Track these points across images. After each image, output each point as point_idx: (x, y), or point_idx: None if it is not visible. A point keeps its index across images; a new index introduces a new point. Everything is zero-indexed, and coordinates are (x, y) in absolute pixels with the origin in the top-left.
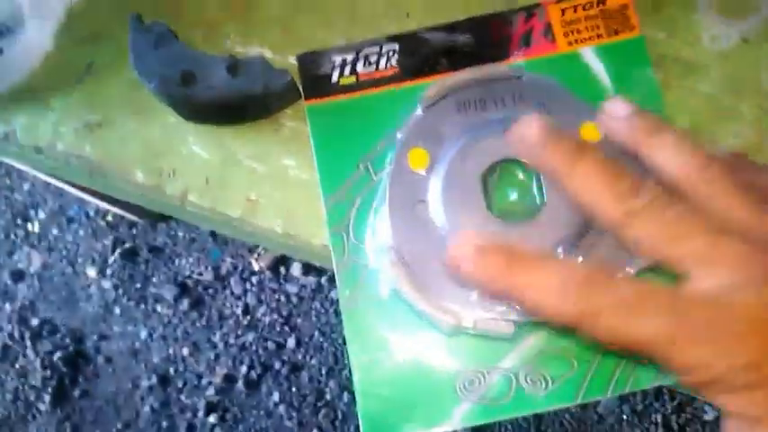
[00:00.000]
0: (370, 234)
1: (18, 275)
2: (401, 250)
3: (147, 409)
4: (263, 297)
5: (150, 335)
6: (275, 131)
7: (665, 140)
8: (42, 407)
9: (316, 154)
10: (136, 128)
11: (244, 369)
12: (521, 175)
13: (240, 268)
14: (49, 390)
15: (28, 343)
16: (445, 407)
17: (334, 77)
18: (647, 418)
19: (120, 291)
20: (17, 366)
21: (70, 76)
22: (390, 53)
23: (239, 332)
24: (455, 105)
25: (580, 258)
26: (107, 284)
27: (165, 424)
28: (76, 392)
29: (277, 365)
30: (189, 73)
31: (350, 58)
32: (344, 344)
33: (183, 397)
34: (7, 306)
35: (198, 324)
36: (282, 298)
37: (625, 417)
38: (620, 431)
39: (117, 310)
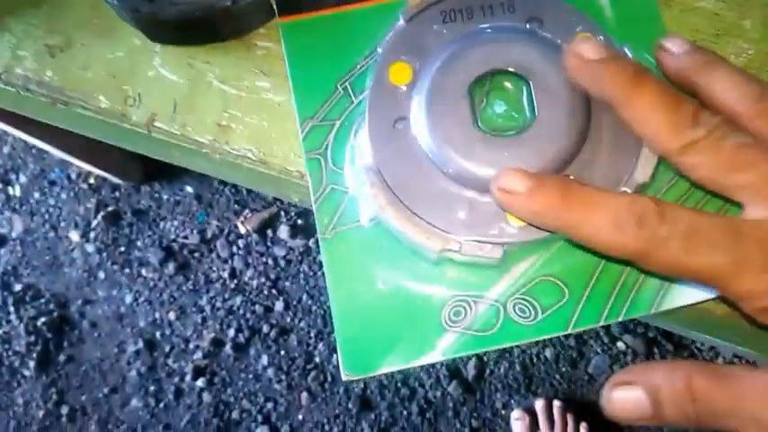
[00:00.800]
0: (349, 159)
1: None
2: (382, 171)
3: (133, 373)
4: (250, 260)
5: (136, 299)
6: (247, 51)
7: (722, 74)
8: (27, 373)
9: (291, 75)
10: (99, 51)
11: (231, 333)
12: (510, 87)
13: (226, 231)
14: (34, 356)
15: (11, 308)
16: (429, 338)
17: None
18: None
19: (104, 255)
20: (1, 333)
21: None
22: None
23: (226, 296)
24: (440, 15)
25: (571, 176)
26: (90, 248)
27: (152, 388)
28: (62, 358)
29: (265, 329)
30: None
31: None
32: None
33: (170, 361)
34: None
35: (184, 288)
36: (270, 261)
37: None
38: None
39: (101, 275)
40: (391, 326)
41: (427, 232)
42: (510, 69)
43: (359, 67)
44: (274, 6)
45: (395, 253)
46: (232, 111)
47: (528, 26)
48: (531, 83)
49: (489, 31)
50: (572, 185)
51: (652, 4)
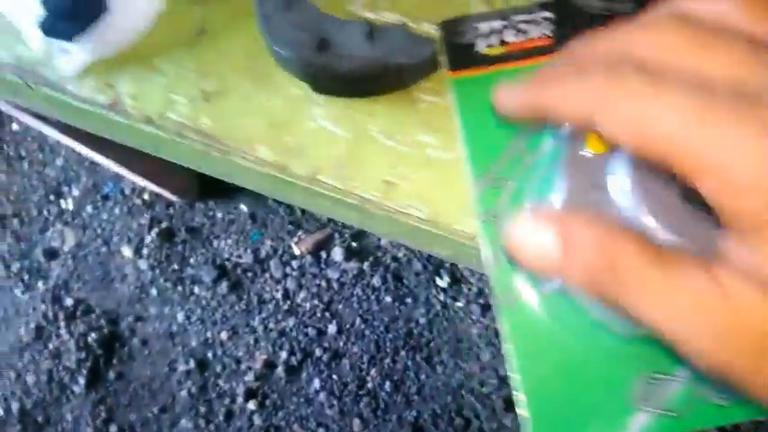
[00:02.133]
0: None
1: (51, 254)
2: None
3: (183, 393)
4: (303, 282)
5: (188, 317)
6: (411, 105)
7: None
8: (77, 389)
9: (464, 131)
10: (256, 98)
11: (284, 355)
12: None
13: (280, 252)
14: (84, 372)
15: (62, 323)
16: (620, 417)
17: (480, 47)
18: None
19: (157, 272)
20: (51, 347)
21: (182, 39)
22: (542, 21)
23: (279, 317)
24: None
25: None
26: (143, 265)
27: (202, 409)
28: (111, 375)
29: (318, 352)
30: (324, 40)
31: (498, 26)
32: (499, 341)
33: (221, 382)
34: (40, 285)
35: (237, 308)
36: (323, 283)
37: None
38: None
39: (153, 292)
40: (581, 403)
41: None
42: None
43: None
44: (442, 62)
45: (581, 325)
46: (398, 167)
47: None
48: None
49: None
50: None
51: None
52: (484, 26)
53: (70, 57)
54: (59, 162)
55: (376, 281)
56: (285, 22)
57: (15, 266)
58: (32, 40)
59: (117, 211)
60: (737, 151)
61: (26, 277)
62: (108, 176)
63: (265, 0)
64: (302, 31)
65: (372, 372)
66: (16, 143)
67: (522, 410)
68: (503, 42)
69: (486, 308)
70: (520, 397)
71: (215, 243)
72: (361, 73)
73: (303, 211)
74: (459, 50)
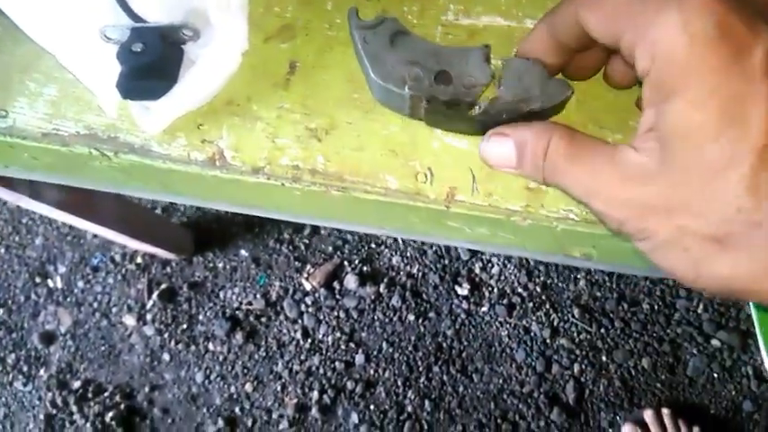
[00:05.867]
0: None
1: (48, 338)
2: None
3: None
4: (320, 316)
5: (207, 377)
6: None
7: None
8: None
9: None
10: (371, 128)
11: (315, 395)
12: None
13: (291, 290)
14: None
15: (74, 408)
16: None
17: None
18: (737, 371)
19: (166, 335)
20: None
21: (273, 79)
22: None
23: (303, 357)
24: None
25: None
26: (149, 331)
27: None
28: None
29: (349, 385)
30: (443, 72)
31: None
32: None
33: None
34: (42, 372)
35: (257, 356)
36: (342, 314)
37: (716, 375)
38: (713, 390)
39: (165, 357)
40: None
41: None
42: None
43: None
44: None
45: None
46: None
47: None
48: None
49: None
50: None
51: None
52: None
53: (153, 115)
54: (39, 241)
55: (395, 301)
56: (393, 60)
57: (11, 359)
58: (108, 105)
59: (111, 280)
60: (662, 29)
61: (25, 368)
62: (94, 247)
63: (369, 40)
64: (412, 67)
65: (409, 394)
66: None
67: None
68: None
69: (511, 307)
70: None
71: (221, 294)
72: (493, 117)
73: (307, 246)
74: None
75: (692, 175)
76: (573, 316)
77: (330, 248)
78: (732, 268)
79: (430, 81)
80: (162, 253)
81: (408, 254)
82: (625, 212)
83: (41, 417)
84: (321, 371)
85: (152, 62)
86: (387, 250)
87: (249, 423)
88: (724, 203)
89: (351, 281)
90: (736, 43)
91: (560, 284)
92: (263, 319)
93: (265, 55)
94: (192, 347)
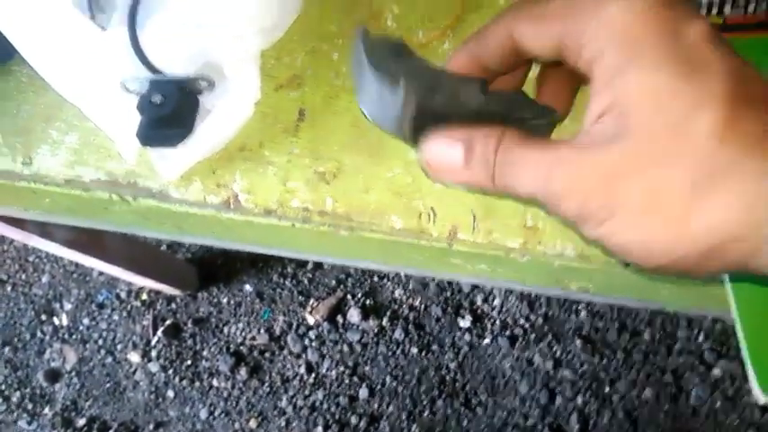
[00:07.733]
0: None
1: (53, 375)
2: None
3: None
4: (324, 351)
5: (211, 413)
6: None
7: None
8: None
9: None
10: (375, 171)
11: (319, 431)
12: None
13: (295, 325)
14: None
15: None
16: None
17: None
18: (740, 400)
19: (170, 371)
20: None
21: (283, 126)
22: None
23: (307, 393)
24: None
25: None
26: (154, 368)
27: None
28: None
29: (353, 420)
30: (439, 87)
31: None
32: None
33: None
34: (47, 410)
35: (261, 392)
36: (345, 348)
37: (719, 404)
38: (716, 420)
39: (170, 394)
40: None
41: None
42: None
43: None
44: None
45: None
46: (534, 209)
47: None
48: None
49: None
50: None
51: None
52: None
53: (170, 161)
54: (45, 279)
55: (398, 334)
56: (394, 67)
57: (16, 397)
58: (128, 152)
59: (116, 317)
60: (607, 14)
61: (29, 406)
62: (100, 284)
63: (382, 95)
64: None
65: (414, 428)
66: None
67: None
68: (721, 14)
69: (513, 339)
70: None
71: (225, 330)
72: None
73: (310, 280)
74: None
75: (657, 129)
76: (575, 347)
77: (333, 282)
78: (725, 211)
79: (425, 90)
80: (167, 289)
81: (411, 287)
82: (589, 184)
83: None
84: (325, 406)
85: (170, 112)
86: (389, 283)
87: None
88: (698, 145)
89: (354, 314)
90: (680, 11)
91: (562, 315)
92: (267, 354)
93: (276, 103)
94: (197, 383)
